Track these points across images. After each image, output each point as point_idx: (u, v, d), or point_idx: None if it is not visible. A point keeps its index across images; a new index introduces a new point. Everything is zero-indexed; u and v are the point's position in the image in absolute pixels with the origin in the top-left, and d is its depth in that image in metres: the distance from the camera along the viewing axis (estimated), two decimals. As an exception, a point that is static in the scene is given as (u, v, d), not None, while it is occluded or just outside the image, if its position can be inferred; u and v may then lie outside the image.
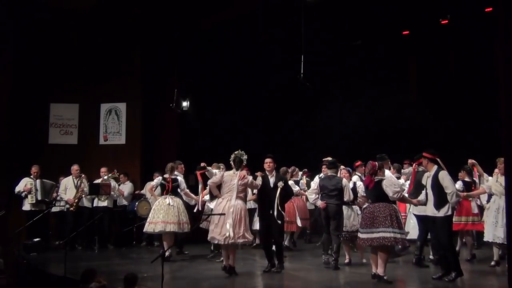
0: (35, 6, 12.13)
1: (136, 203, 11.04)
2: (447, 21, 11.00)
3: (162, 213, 8.85)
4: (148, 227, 9.05)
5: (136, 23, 12.83)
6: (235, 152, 7.60)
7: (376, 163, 7.14)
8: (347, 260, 8.21)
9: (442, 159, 7.02)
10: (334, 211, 8.04)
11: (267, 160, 7.68)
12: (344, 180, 8.14)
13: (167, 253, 8.56)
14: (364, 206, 7.21)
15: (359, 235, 7.03)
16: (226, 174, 7.68)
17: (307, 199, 9.57)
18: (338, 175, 8.31)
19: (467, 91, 11.75)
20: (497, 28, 6.04)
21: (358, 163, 8.65)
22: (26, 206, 10.41)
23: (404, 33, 11.97)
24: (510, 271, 5.73)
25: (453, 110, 11.84)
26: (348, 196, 8.06)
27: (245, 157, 7.57)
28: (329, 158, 8.66)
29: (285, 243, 9.65)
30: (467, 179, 8.53)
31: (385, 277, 6.74)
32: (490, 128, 10.21)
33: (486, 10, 10.48)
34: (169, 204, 8.90)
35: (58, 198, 10.76)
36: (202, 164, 8.93)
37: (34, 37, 12.35)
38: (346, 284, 7.18)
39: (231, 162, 7.60)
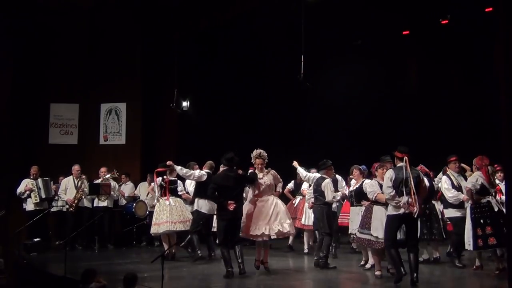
0: (35, 6, 12.15)
1: (134, 204, 11.04)
2: (447, 21, 10.98)
3: (166, 214, 8.81)
4: (152, 229, 9.02)
5: (136, 23, 12.85)
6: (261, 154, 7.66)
7: (376, 164, 7.26)
8: (362, 262, 8.01)
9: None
10: (315, 212, 8.28)
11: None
12: (326, 181, 8.10)
13: (168, 252, 8.63)
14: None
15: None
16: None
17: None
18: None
19: (467, 91, 11.75)
20: (497, 28, 6.04)
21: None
22: (30, 206, 10.39)
23: (404, 33, 11.96)
24: (510, 271, 5.73)
25: (453, 110, 11.84)
26: (328, 196, 7.99)
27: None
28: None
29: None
30: None
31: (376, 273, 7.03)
32: (490, 128, 10.20)
33: (486, 10, 10.47)
34: (169, 204, 8.88)
35: (56, 198, 10.76)
36: (169, 163, 8.57)
37: (34, 37, 12.36)
38: (345, 284, 7.18)
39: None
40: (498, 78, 6.13)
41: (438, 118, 11.87)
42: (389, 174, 6.63)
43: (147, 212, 10.58)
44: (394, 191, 6.47)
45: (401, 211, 6.45)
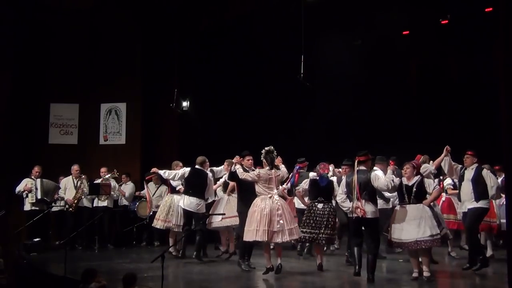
0: (35, 6, 12.15)
1: (137, 204, 11.05)
2: (447, 21, 11.00)
3: (164, 212, 9.23)
4: (154, 223, 9.49)
5: (136, 23, 12.84)
6: (267, 149, 7.54)
7: None
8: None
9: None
10: None
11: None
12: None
13: (170, 249, 8.82)
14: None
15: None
16: (262, 172, 7.47)
17: None
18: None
19: (467, 91, 11.75)
20: (497, 28, 6.04)
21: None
22: (27, 206, 10.37)
23: (404, 33, 11.96)
24: (510, 271, 5.72)
25: (453, 110, 11.84)
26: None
27: (275, 153, 7.57)
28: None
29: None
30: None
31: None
32: (490, 128, 10.21)
33: (486, 10, 10.48)
34: (169, 203, 9.24)
35: (58, 197, 10.76)
36: (153, 170, 9.03)
37: (34, 37, 12.36)
38: (344, 285, 7.18)
39: (263, 160, 7.56)
40: (498, 78, 6.13)
41: (438, 117, 11.88)
42: (343, 181, 7.07)
43: (151, 213, 10.57)
44: (345, 196, 6.90)
45: (353, 215, 6.77)
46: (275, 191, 7.37)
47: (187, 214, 8.72)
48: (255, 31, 11.80)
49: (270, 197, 7.27)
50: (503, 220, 8.44)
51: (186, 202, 8.64)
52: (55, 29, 12.66)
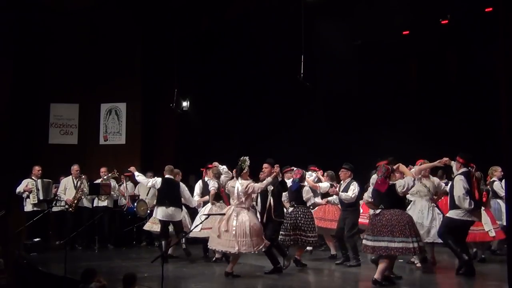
0: (35, 6, 12.16)
1: (135, 204, 11.05)
2: (447, 21, 11.00)
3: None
4: (147, 225, 9.62)
5: (136, 23, 12.86)
6: (240, 159, 7.42)
7: (389, 167, 7.01)
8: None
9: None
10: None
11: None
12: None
13: (169, 251, 8.78)
14: (377, 212, 6.58)
15: (365, 242, 6.60)
16: (229, 183, 7.51)
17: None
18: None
19: (467, 91, 11.75)
20: (497, 28, 6.04)
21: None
22: (28, 207, 10.31)
23: (404, 33, 11.97)
24: (510, 271, 5.72)
25: (452, 110, 11.84)
26: None
27: (247, 163, 7.35)
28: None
29: None
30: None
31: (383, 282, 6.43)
32: (490, 128, 10.21)
33: (486, 10, 10.48)
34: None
35: (57, 197, 10.75)
36: (131, 168, 9.22)
37: (34, 37, 12.37)
38: (344, 285, 7.19)
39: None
40: (498, 78, 6.13)
41: (437, 118, 11.87)
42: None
43: (148, 211, 10.59)
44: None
45: None
46: (237, 202, 7.16)
47: (165, 224, 8.63)
48: (255, 31, 11.81)
49: (231, 209, 7.20)
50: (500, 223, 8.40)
51: (162, 213, 8.57)
52: (55, 29, 12.68)
